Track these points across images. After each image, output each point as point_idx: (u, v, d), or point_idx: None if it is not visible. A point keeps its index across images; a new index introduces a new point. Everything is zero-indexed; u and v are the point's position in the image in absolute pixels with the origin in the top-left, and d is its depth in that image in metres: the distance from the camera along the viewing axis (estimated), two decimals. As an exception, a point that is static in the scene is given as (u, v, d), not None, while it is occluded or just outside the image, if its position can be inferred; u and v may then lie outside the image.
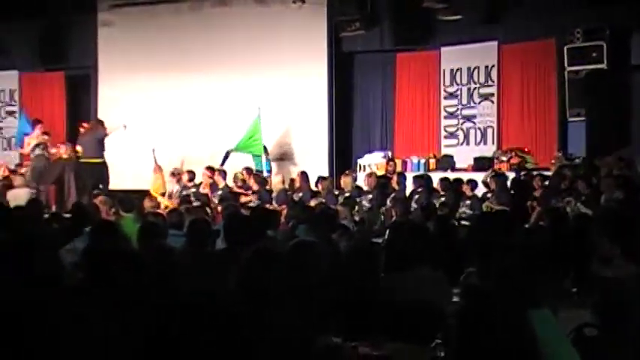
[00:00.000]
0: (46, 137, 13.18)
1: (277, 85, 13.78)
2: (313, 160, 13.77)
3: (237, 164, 13.10)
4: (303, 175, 12.30)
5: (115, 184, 12.74)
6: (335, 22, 13.77)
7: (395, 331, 2.56)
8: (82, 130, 13.02)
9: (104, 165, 12.62)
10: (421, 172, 12.57)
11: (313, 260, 3.51)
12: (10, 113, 16.39)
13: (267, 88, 13.77)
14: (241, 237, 4.83)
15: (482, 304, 2.19)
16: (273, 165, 13.50)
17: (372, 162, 13.38)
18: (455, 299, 3.88)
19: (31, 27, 15.52)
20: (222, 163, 13.18)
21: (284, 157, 14.07)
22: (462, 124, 13.53)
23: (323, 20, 13.79)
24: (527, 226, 8.01)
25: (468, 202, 10.27)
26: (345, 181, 11.87)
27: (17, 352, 2.59)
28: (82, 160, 12.59)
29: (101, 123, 13.07)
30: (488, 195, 10.50)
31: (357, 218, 9.92)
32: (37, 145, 12.92)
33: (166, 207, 12.09)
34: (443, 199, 10.29)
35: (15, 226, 6.55)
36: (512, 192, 10.29)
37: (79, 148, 12.74)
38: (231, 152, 13.22)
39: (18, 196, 11.07)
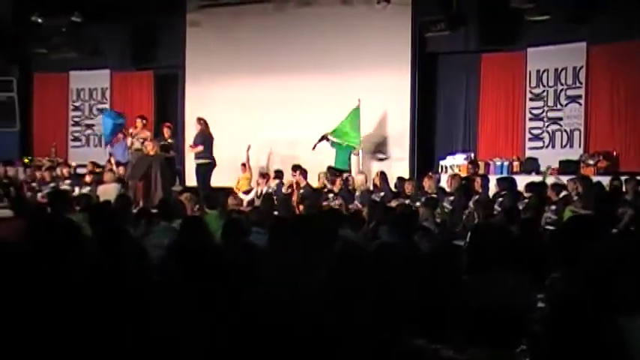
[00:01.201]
0: (148, 133, 13.60)
1: (360, 86, 13.81)
2: (394, 160, 13.75)
3: (321, 162, 13.21)
4: (383, 175, 12.30)
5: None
6: (420, 22, 13.71)
7: (477, 335, 2.53)
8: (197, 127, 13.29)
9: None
10: (504, 174, 12.39)
11: (396, 262, 3.52)
12: (102, 111, 16.95)
13: (350, 88, 13.81)
14: (322, 237, 4.86)
15: (570, 311, 2.15)
16: (356, 164, 13.53)
17: (454, 163, 13.26)
18: (540, 305, 3.80)
19: (123, 28, 16.06)
20: (314, 147, 13.30)
21: (366, 157, 14.12)
22: (547, 127, 13.25)
23: (407, 21, 13.75)
24: (615, 230, 7.79)
25: (553, 207, 10.03)
26: (427, 183, 11.80)
27: (111, 345, 2.70)
28: (199, 162, 13.00)
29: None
30: (574, 198, 10.24)
31: (438, 220, 9.84)
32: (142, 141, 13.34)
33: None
34: (527, 202, 10.09)
35: (105, 221, 6.81)
36: (599, 196, 10.01)
37: (200, 148, 13.04)
38: (328, 136, 13.30)
39: (107, 192, 11.45)
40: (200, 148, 12.96)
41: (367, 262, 2.94)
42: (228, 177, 13.84)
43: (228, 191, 13.10)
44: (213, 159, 13.03)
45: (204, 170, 13.05)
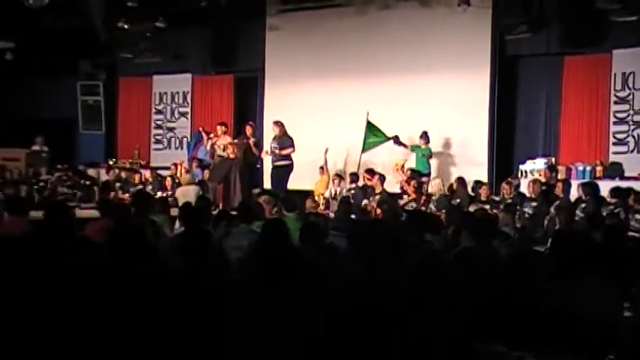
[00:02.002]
0: (229, 139, 13.82)
1: (439, 89, 13.70)
2: (472, 164, 13.59)
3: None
4: (461, 180, 12.18)
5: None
6: (500, 25, 13.52)
7: (562, 343, 2.49)
8: (277, 131, 13.43)
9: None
10: (586, 179, 12.08)
11: (477, 267, 3.49)
12: (183, 114, 17.34)
13: (429, 92, 13.72)
14: (404, 241, 4.85)
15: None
16: (433, 169, 13.44)
17: (535, 168, 12.99)
18: (627, 314, 3.70)
19: (204, 33, 16.39)
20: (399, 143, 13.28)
21: (442, 161, 14.01)
22: (632, 131, 12.86)
23: (488, 23, 13.56)
24: None
25: (638, 216, 9.72)
26: (507, 187, 11.62)
27: (197, 341, 2.77)
28: (279, 164, 13.19)
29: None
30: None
31: (518, 225, 9.67)
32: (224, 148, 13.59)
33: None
34: (611, 208, 9.82)
35: (188, 222, 6.97)
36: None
37: (291, 150, 13.18)
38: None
39: (186, 193, 11.67)
40: (291, 150, 13.08)
41: (448, 267, 2.92)
42: (306, 180, 13.94)
43: (305, 194, 13.23)
44: (293, 161, 13.16)
45: (284, 173, 13.17)
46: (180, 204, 9.72)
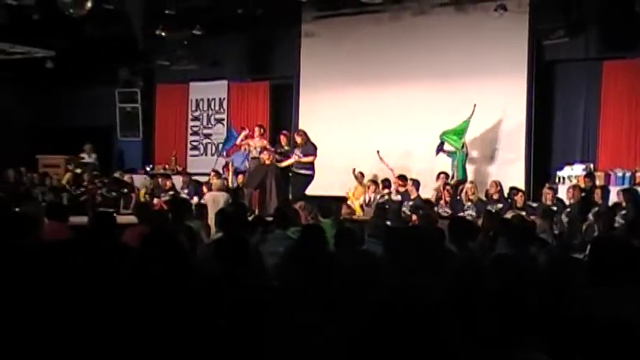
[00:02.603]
0: (265, 142, 13.89)
1: (475, 94, 13.62)
2: (509, 170, 13.47)
3: (432, 171, 13.13)
4: (498, 186, 12.09)
5: (313, 190, 13.18)
6: (537, 29, 13.41)
7: (603, 351, 2.46)
8: (299, 140, 13.43)
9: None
10: (625, 185, 11.91)
11: (514, 274, 3.47)
12: (219, 121, 17.47)
13: (465, 98, 13.65)
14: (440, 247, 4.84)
15: None
16: (469, 175, 13.35)
17: (572, 174, 12.84)
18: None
19: (240, 40, 16.52)
20: (437, 152, 13.25)
21: (479, 166, 13.92)
22: (673, 136, 12.67)
23: (525, 28, 13.45)
24: None
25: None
26: (544, 194, 11.51)
27: (228, 349, 2.79)
28: (301, 172, 13.07)
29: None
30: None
31: (556, 232, 9.58)
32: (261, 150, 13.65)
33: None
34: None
35: (224, 228, 7.00)
36: None
37: (311, 158, 13.11)
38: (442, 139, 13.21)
39: (216, 199, 11.68)
40: (312, 157, 13.03)
41: (485, 273, 2.90)
42: (340, 186, 13.94)
43: (339, 200, 13.23)
44: (314, 172, 13.05)
45: (304, 181, 13.04)
46: (209, 209, 9.77)
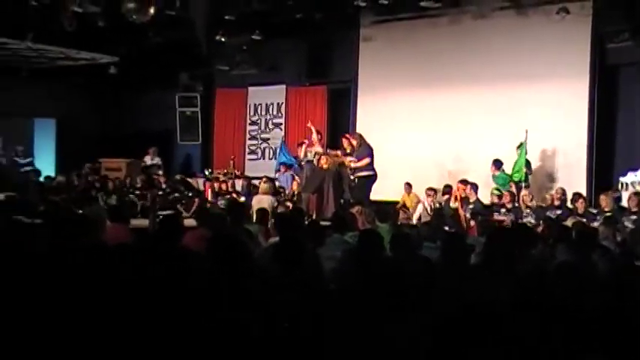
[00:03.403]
0: (320, 149, 13.91)
1: (536, 98, 13.43)
2: (571, 176, 13.23)
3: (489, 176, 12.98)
4: (562, 192, 11.87)
5: (371, 194, 13.15)
6: (601, 32, 13.14)
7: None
8: (354, 142, 13.42)
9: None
10: (691, 192, 11.56)
11: (576, 282, 3.41)
12: (277, 125, 17.59)
13: (525, 102, 13.47)
14: (501, 253, 4.77)
15: None
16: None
17: (636, 180, 12.52)
18: None
19: (299, 45, 16.63)
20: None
21: (539, 172, 13.69)
22: None
23: (587, 31, 13.20)
24: None
25: None
26: (605, 200, 11.25)
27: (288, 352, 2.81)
28: (361, 175, 12.93)
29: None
30: None
31: (619, 239, 9.35)
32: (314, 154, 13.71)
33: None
34: None
35: (282, 232, 7.04)
36: None
37: (366, 160, 13.01)
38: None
39: (261, 202, 11.74)
40: (368, 159, 12.93)
41: (549, 280, 2.86)
42: (398, 190, 13.90)
43: (396, 205, 13.19)
44: (376, 172, 12.97)
45: (366, 183, 12.98)
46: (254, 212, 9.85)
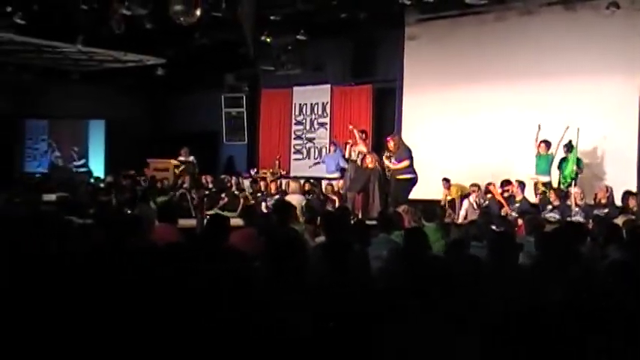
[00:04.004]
0: (364, 148, 13.88)
1: (585, 95, 13.21)
2: (621, 173, 12.97)
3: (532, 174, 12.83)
4: (609, 190, 11.66)
5: (417, 194, 13.07)
6: (652, 27, 12.87)
7: None
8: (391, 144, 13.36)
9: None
10: None
11: (629, 282, 3.34)
12: (322, 125, 17.62)
13: (573, 98, 13.26)
14: (552, 252, 4.71)
15: None
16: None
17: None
18: None
19: (344, 44, 16.65)
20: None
21: (587, 170, 13.44)
22: None
23: (638, 26, 12.93)
24: None
25: None
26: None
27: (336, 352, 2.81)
28: (402, 177, 12.72)
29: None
30: None
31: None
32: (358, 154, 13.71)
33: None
34: None
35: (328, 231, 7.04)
36: None
37: (405, 163, 12.85)
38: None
39: (291, 202, 11.70)
40: (407, 162, 12.76)
41: (599, 281, 2.81)
42: (442, 190, 13.84)
43: (440, 204, 13.09)
44: (416, 174, 12.81)
45: (406, 185, 12.75)
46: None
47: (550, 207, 11.77)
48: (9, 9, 12.85)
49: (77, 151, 19.33)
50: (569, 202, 11.74)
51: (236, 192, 15.34)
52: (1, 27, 13.55)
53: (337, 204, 13.28)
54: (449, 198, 13.89)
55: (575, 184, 12.39)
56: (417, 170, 12.47)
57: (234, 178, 16.24)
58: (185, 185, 15.61)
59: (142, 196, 14.27)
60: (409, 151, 12.66)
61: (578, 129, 12.47)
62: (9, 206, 10.57)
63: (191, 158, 17.31)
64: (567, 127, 12.54)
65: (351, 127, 14.39)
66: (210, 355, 1.80)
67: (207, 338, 2.00)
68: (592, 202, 11.87)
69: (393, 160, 12.68)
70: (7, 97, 19.02)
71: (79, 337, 2.39)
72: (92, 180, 16.92)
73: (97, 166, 19.48)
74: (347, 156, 14.33)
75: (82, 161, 19.09)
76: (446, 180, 13.93)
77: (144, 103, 21.32)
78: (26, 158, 19.97)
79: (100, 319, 2.54)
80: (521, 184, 12.16)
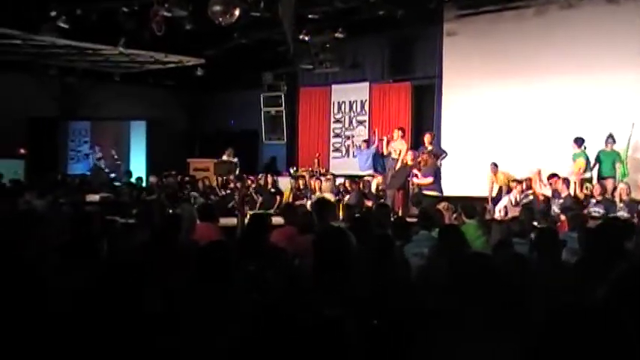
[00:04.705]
0: (403, 146, 13.84)
1: (629, 88, 12.99)
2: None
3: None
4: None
5: (457, 190, 13.01)
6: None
7: None
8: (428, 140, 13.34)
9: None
10: None
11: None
12: (361, 122, 17.60)
13: (616, 92, 13.05)
14: (599, 249, 4.64)
15: None
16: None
17: None
18: None
19: (382, 41, 16.62)
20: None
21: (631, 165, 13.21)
22: None
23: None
24: None
25: None
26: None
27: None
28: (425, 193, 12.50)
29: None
30: None
31: None
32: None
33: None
34: None
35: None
36: None
37: (429, 180, 12.65)
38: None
39: None
40: (430, 179, 12.60)
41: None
42: (483, 186, 13.73)
43: (483, 200, 13.00)
44: (442, 193, 12.44)
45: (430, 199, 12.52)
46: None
47: (594, 201, 11.61)
48: (53, 13, 13.07)
49: (117, 152, 19.60)
50: (614, 198, 11.58)
51: (272, 190, 15.42)
52: (45, 31, 13.78)
53: (376, 202, 13.24)
54: (496, 186, 13.74)
55: (622, 180, 12.22)
56: (456, 168, 12.43)
57: (269, 176, 16.28)
58: (228, 185, 15.74)
59: (183, 195, 14.44)
60: (437, 169, 12.59)
61: (633, 124, 12.28)
62: (54, 207, 10.79)
63: (235, 159, 17.44)
64: (633, 124, 12.36)
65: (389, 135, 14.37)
66: (254, 352, 1.82)
67: (251, 336, 2.02)
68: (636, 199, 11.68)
69: (420, 175, 12.65)
70: (51, 100, 19.37)
71: (128, 336, 2.43)
72: (133, 180, 17.13)
73: (138, 166, 19.73)
74: (385, 153, 14.33)
75: (121, 162, 19.37)
76: (494, 165, 13.78)
77: (184, 103, 21.54)
78: (69, 160, 20.31)
79: (147, 317, 2.58)
80: (566, 181, 12.00)
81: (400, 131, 14.22)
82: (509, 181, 13.41)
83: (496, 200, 13.19)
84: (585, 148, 12.56)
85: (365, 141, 16.04)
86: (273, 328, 1.88)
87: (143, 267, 2.62)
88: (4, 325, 2.63)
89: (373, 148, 15.26)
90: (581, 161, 12.44)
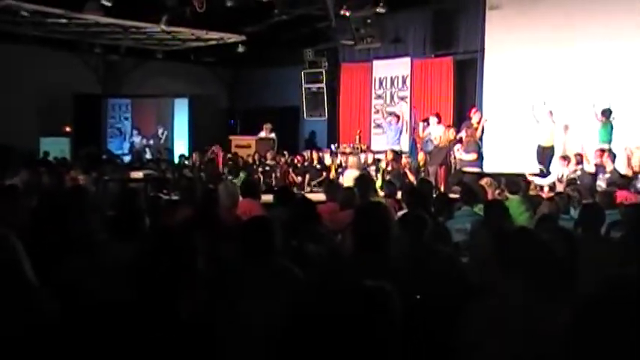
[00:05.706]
0: (440, 130, 13.79)
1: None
2: None
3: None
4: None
5: (502, 166, 12.88)
6: None
7: None
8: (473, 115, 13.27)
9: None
10: None
11: None
12: (402, 98, 17.47)
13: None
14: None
15: None
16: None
17: None
18: None
19: (423, 16, 16.43)
20: None
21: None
22: None
23: None
24: None
25: None
26: None
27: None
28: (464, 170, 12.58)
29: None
30: None
31: None
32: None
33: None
34: None
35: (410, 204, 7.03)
36: None
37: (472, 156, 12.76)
38: None
39: (349, 177, 11.65)
40: (474, 156, 12.54)
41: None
42: (526, 162, 13.55)
43: (525, 177, 12.83)
44: (482, 169, 12.50)
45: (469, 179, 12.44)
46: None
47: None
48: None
49: (161, 128, 19.82)
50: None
51: (318, 167, 15.46)
52: (88, 9, 13.94)
53: (414, 178, 13.18)
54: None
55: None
56: (499, 144, 12.33)
57: (314, 152, 16.31)
58: (267, 162, 15.82)
59: (226, 171, 14.55)
60: (479, 146, 12.52)
61: None
62: (99, 184, 10.96)
63: (272, 135, 17.49)
64: None
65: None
66: (304, 319, 1.81)
67: (299, 312, 2.02)
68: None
69: (462, 151, 12.58)
70: (95, 78, 19.64)
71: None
72: (175, 157, 17.31)
73: (180, 143, 19.92)
74: (422, 135, 14.37)
75: (164, 138, 19.58)
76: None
77: (225, 80, 21.64)
78: (108, 138, 20.59)
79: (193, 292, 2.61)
80: (612, 155, 11.77)
81: (436, 117, 14.18)
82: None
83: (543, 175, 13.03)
84: (614, 118, 12.36)
85: (396, 115, 16.03)
86: (317, 300, 1.88)
87: (193, 237, 2.64)
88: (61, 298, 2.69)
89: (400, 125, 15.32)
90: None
